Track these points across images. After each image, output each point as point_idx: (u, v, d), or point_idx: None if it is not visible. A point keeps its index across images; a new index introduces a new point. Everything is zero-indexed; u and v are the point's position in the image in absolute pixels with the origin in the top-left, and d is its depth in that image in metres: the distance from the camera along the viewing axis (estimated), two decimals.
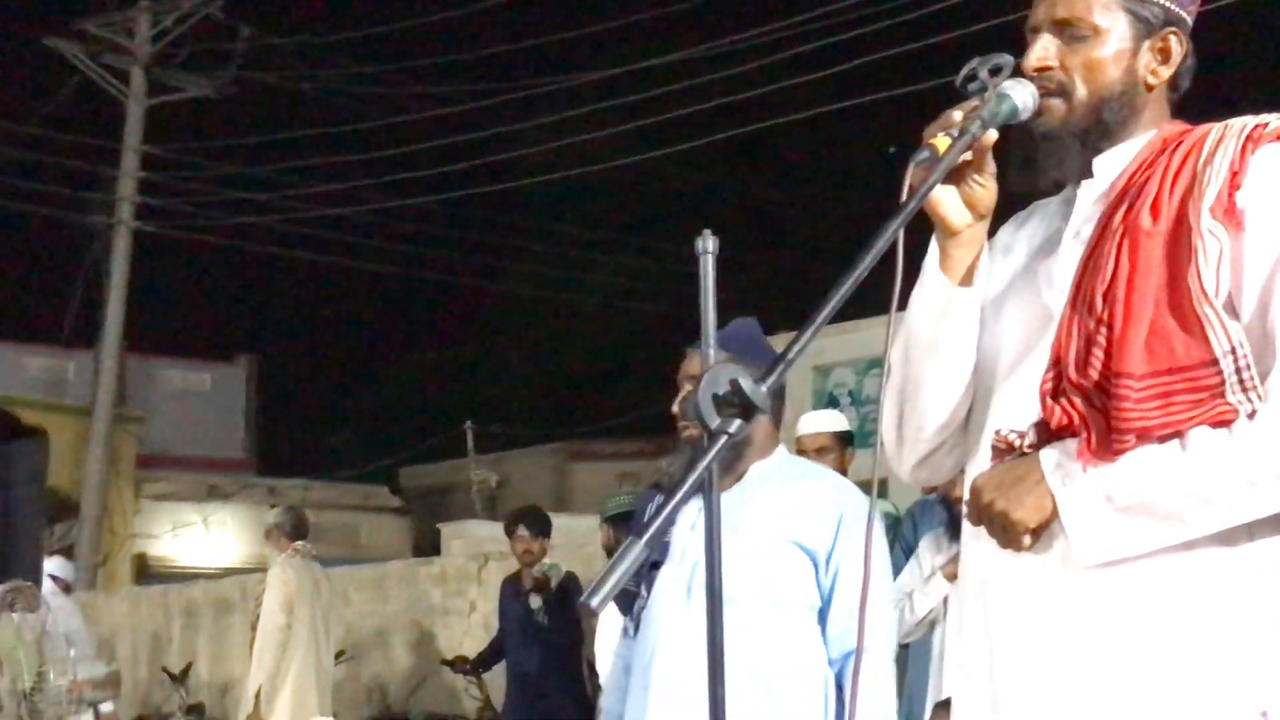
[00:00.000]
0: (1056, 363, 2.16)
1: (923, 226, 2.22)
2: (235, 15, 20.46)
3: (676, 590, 3.57)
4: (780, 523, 3.57)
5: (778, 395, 3.69)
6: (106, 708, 8.41)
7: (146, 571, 19.32)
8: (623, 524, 8.33)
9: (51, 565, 10.16)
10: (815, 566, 3.55)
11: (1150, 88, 2.27)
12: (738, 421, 2.05)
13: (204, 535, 22.06)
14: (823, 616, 3.56)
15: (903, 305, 2.25)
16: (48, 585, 9.70)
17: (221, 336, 29.23)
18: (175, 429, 25.03)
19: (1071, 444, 2.10)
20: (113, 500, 20.56)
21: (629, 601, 3.76)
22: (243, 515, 21.21)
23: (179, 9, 20.26)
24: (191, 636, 14.19)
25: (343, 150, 22.21)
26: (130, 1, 20.42)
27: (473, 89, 21.56)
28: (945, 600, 5.51)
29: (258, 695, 9.14)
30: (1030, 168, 2.27)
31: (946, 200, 2.20)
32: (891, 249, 2.05)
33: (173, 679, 11.60)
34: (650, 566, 3.61)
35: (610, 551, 8.72)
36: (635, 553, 2.13)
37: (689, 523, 3.56)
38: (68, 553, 10.80)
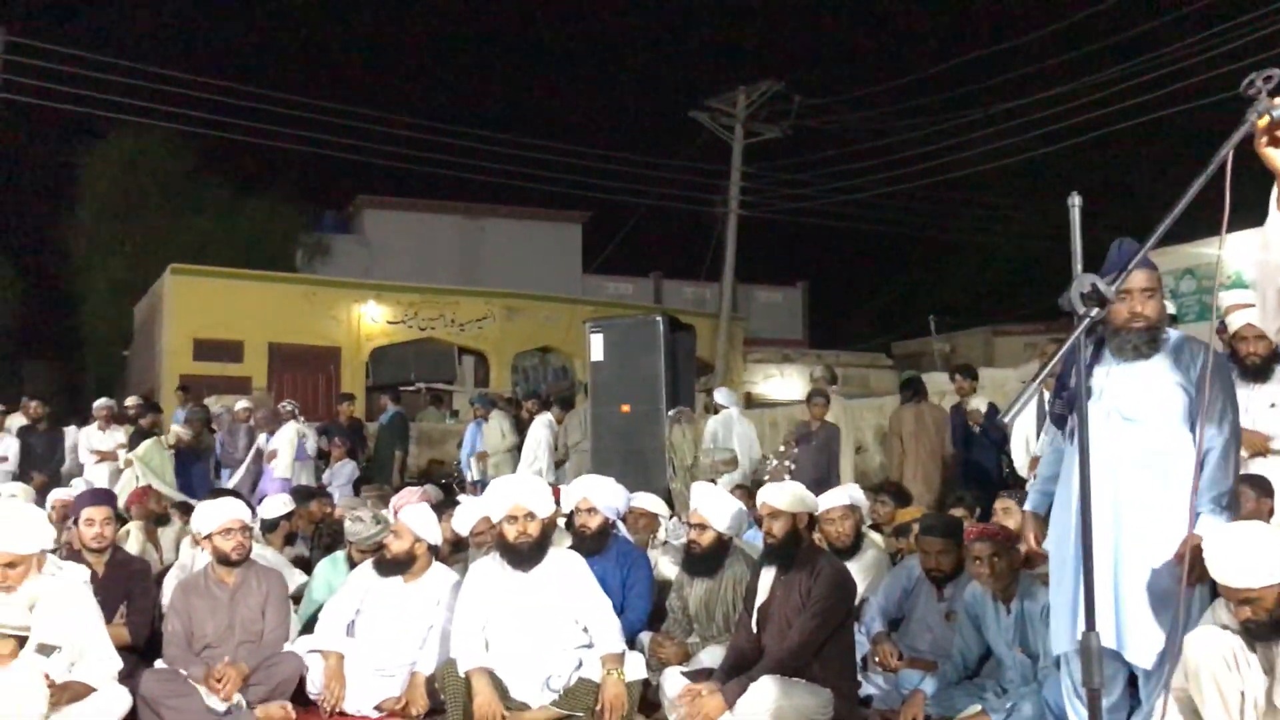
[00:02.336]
0: None
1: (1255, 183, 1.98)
2: (791, 88, 20.48)
3: (1095, 416, 3.22)
4: (1170, 372, 3.21)
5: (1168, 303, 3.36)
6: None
7: (751, 402, 19.84)
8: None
9: (720, 395, 10.68)
10: (1188, 395, 3.20)
11: None
12: (1096, 309, 1.85)
13: (781, 381, 22.45)
14: (1193, 425, 3.20)
15: (1228, 229, 2.00)
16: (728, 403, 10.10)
17: (785, 270, 29.49)
18: (764, 323, 25.59)
19: None
20: (732, 362, 21.26)
21: (1063, 422, 3.42)
22: (801, 371, 21.39)
23: (760, 89, 20.44)
24: (774, 439, 14.52)
25: (852, 159, 21.74)
26: (732, 88, 20.78)
27: (912, 105, 20.61)
28: None
29: None
30: None
31: (1277, 156, 1.95)
32: (1222, 189, 1.87)
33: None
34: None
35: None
36: (1032, 389, 1.97)
37: (1105, 371, 3.27)
38: (709, 392, 11.26)
